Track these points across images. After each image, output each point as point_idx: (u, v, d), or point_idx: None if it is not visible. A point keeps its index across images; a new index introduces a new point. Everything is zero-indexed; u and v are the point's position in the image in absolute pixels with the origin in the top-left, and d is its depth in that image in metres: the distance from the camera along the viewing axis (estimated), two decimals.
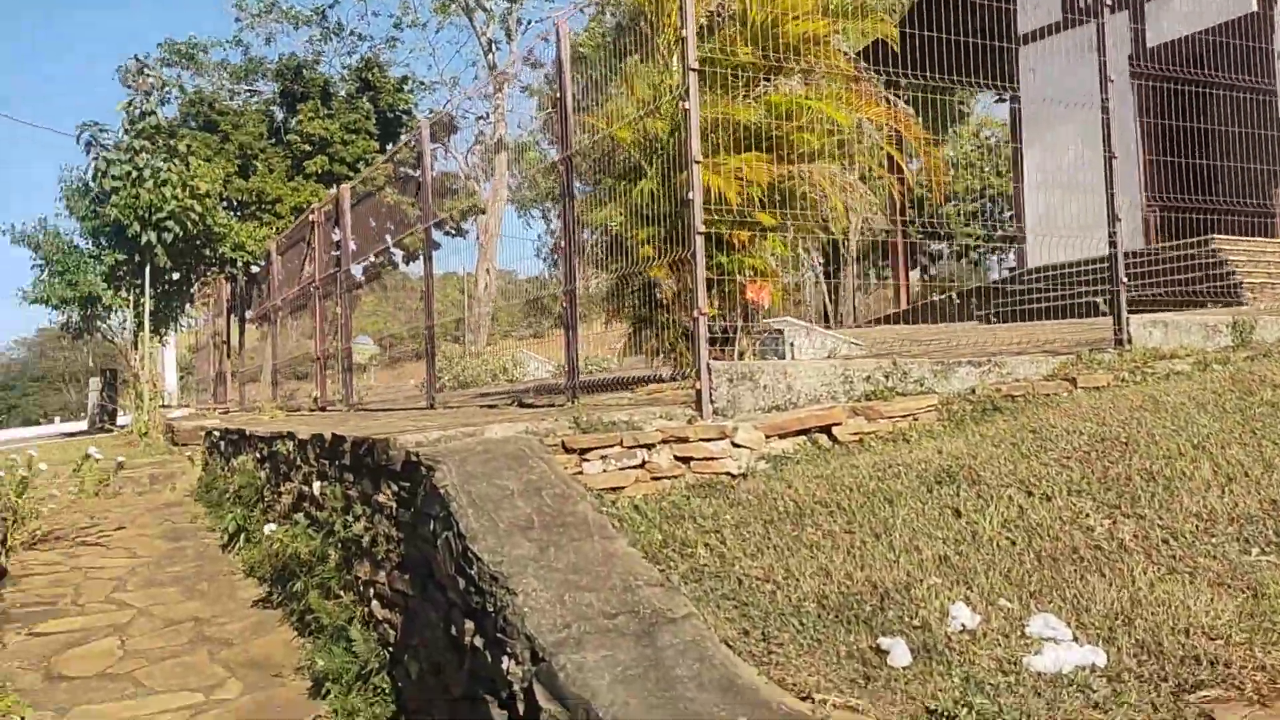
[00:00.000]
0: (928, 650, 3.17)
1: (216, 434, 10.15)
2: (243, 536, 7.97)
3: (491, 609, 3.40)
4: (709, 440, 5.19)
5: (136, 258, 15.21)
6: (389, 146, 26.97)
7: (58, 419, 44.16)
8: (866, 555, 3.90)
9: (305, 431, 6.74)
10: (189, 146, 16.19)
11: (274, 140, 27.98)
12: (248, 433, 8.48)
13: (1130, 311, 6.88)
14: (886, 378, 6.01)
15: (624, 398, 7.18)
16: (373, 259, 18.50)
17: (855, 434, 5.54)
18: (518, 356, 17.27)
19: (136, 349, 15.48)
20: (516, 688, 3.14)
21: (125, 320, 15.91)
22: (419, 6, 41.50)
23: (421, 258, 10.11)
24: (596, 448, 4.95)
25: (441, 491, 4.12)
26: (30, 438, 21.15)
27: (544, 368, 17.82)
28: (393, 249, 23.78)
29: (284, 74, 28.53)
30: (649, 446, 5.06)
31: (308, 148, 26.81)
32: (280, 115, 29.11)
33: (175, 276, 16.60)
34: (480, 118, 36.68)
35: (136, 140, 14.97)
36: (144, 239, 14.69)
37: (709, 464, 5.16)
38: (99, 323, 15.98)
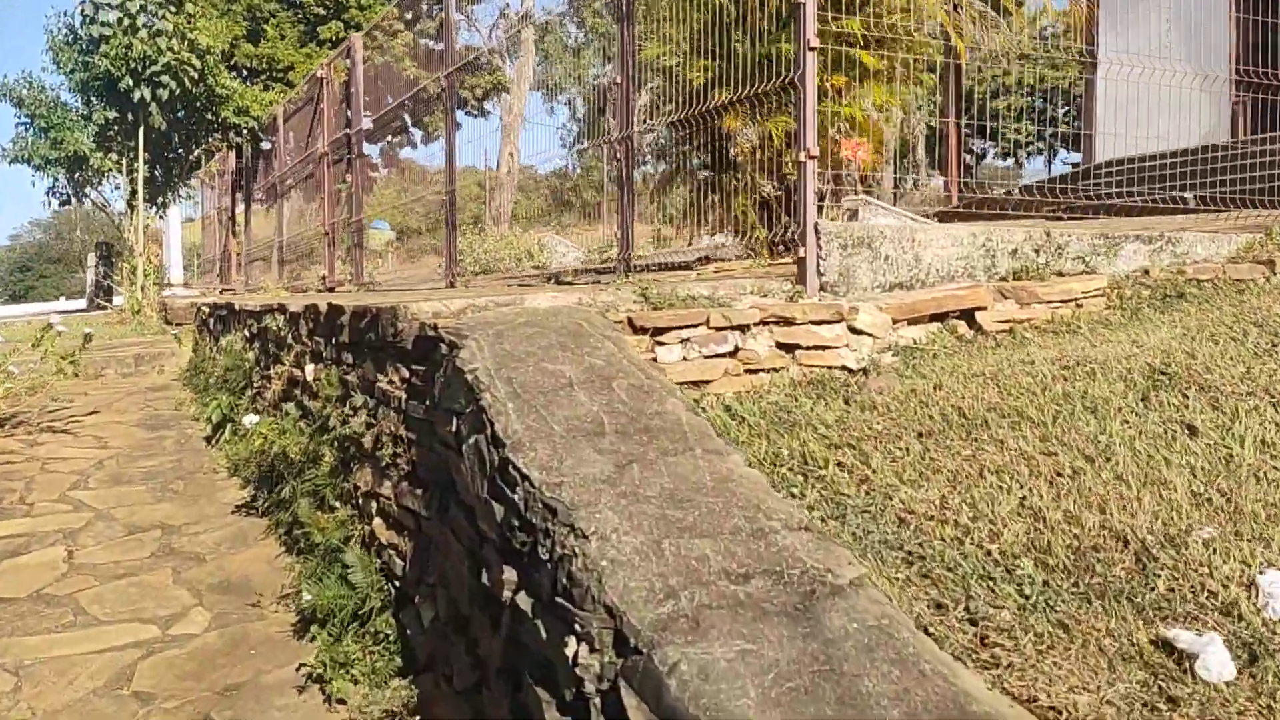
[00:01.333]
0: (1252, 653, 1.99)
1: (206, 309, 9.01)
2: (228, 428, 6.87)
3: (547, 555, 2.23)
4: (821, 323, 3.96)
5: (129, 116, 13.90)
6: (408, 16, 25.24)
7: (62, 299, 43.37)
8: (1085, 488, 2.70)
9: (299, 304, 5.55)
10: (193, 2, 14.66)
11: (285, 3, 26.24)
12: (236, 307, 7.32)
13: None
14: (1037, 252, 4.73)
15: (687, 277, 5.97)
16: (390, 139, 17.10)
17: (1004, 321, 4.31)
18: (544, 241, 16.00)
19: (131, 220, 14.30)
20: (590, 688, 1.99)
21: (119, 187, 14.69)
22: None
23: (445, 122, 8.77)
24: (675, 327, 3.73)
25: (470, 377, 2.93)
26: (20, 315, 20.19)
27: (572, 253, 16.58)
28: (411, 128, 22.33)
29: None
30: (742, 329, 3.84)
31: (321, 11, 25.09)
32: None
33: (173, 139, 15.28)
34: None
35: None
36: (137, 95, 13.35)
37: (820, 354, 3.95)
38: (88, 189, 14.78)
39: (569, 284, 6.46)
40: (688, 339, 3.74)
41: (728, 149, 6.42)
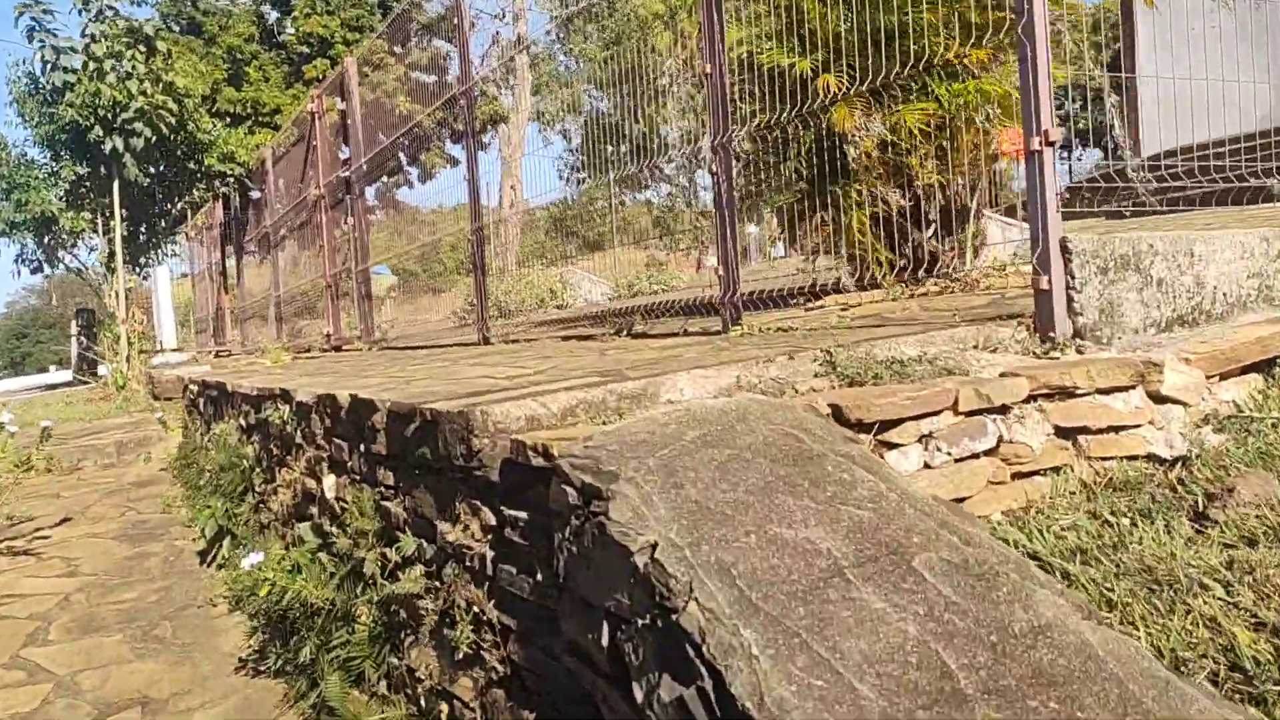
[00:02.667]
0: None
1: (194, 388, 7.69)
2: (226, 543, 5.53)
3: None
4: (1109, 391, 2.62)
5: (101, 170, 12.68)
6: (398, 49, 24.14)
7: (54, 368, 42.16)
8: None
9: (308, 390, 4.22)
10: (158, 33, 13.42)
11: (267, 44, 25.14)
12: (229, 389, 6.00)
13: None
14: None
15: (822, 319, 4.66)
16: (385, 180, 15.89)
17: None
18: (566, 277, 14.70)
19: (111, 284, 13.04)
20: None
21: (95, 249, 13.44)
22: None
23: (465, 136, 7.49)
24: (908, 417, 2.38)
25: (641, 562, 1.61)
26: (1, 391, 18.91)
27: (599, 288, 15.28)
28: (407, 167, 21.03)
29: None
30: (1003, 410, 2.50)
31: (305, 49, 23.98)
32: (273, 16, 26.21)
33: (154, 192, 14.03)
34: (496, 16, 33.55)
35: (93, 23, 12.33)
36: (108, 145, 12.11)
37: (1115, 440, 2.61)
38: (61, 253, 13.51)
39: (653, 335, 5.14)
40: (928, 434, 2.40)
41: (842, 152, 5.10)
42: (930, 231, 5.26)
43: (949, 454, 2.40)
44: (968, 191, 5.24)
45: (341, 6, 24.52)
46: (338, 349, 11.09)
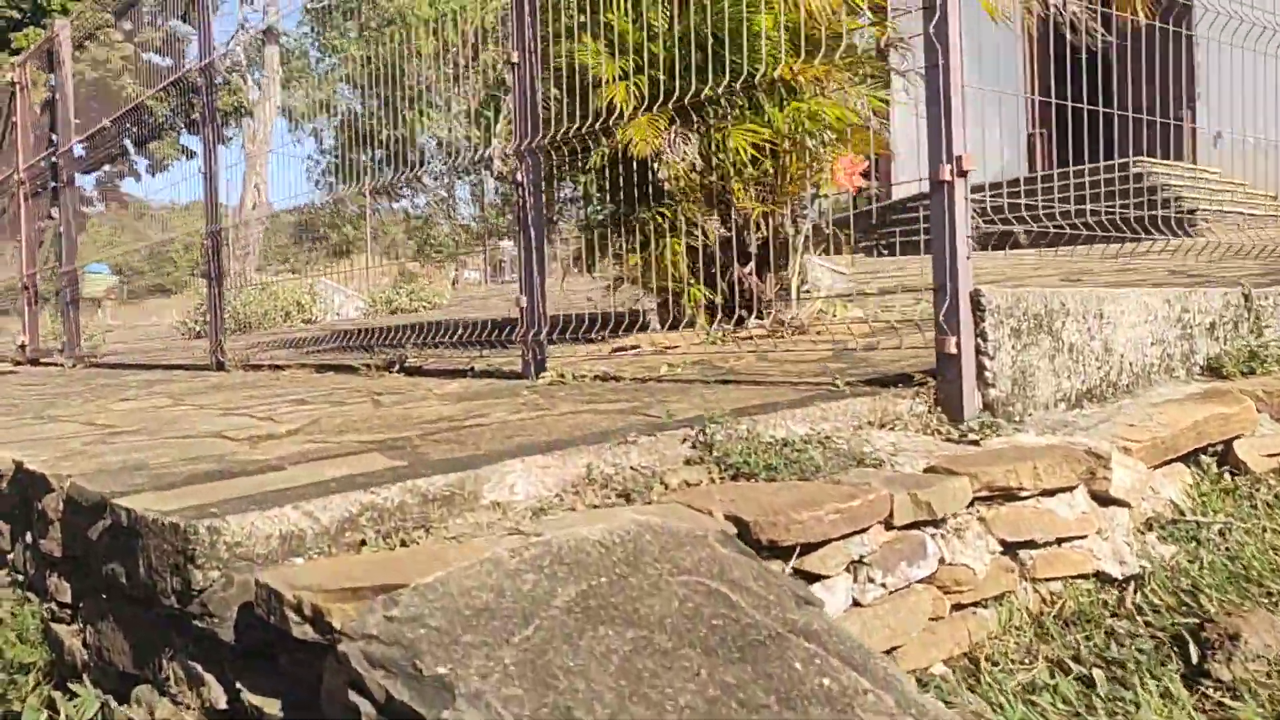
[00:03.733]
0: None
1: None
2: None
3: None
4: (1054, 492, 2.08)
5: None
6: (125, 25, 21.82)
7: None
8: None
9: None
10: None
11: None
12: None
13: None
14: (1236, 325, 3.08)
15: (616, 360, 4.03)
16: (107, 169, 14.16)
17: (1274, 455, 2.59)
18: (315, 288, 13.42)
19: None
20: None
21: None
22: None
23: (202, 122, 6.35)
24: (830, 539, 1.73)
25: None
26: None
27: (352, 303, 14.05)
28: (135, 157, 19.08)
29: None
30: (939, 522, 1.90)
31: (15, 14, 21.25)
32: None
33: None
34: (244, 1, 31.30)
35: None
36: None
37: (1061, 555, 2.07)
38: None
39: (433, 372, 4.32)
40: (858, 559, 1.75)
41: (651, 172, 4.48)
42: (749, 266, 4.72)
43: (883, 585, 1.77)
44: (791, 224, 4.74)
45: None
46: (34, 362, 9.45)
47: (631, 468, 1.95)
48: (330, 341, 6.70)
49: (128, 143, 13.19)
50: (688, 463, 2.02)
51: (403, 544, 1.62)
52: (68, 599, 2.17)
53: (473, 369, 4.24)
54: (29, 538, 2.40)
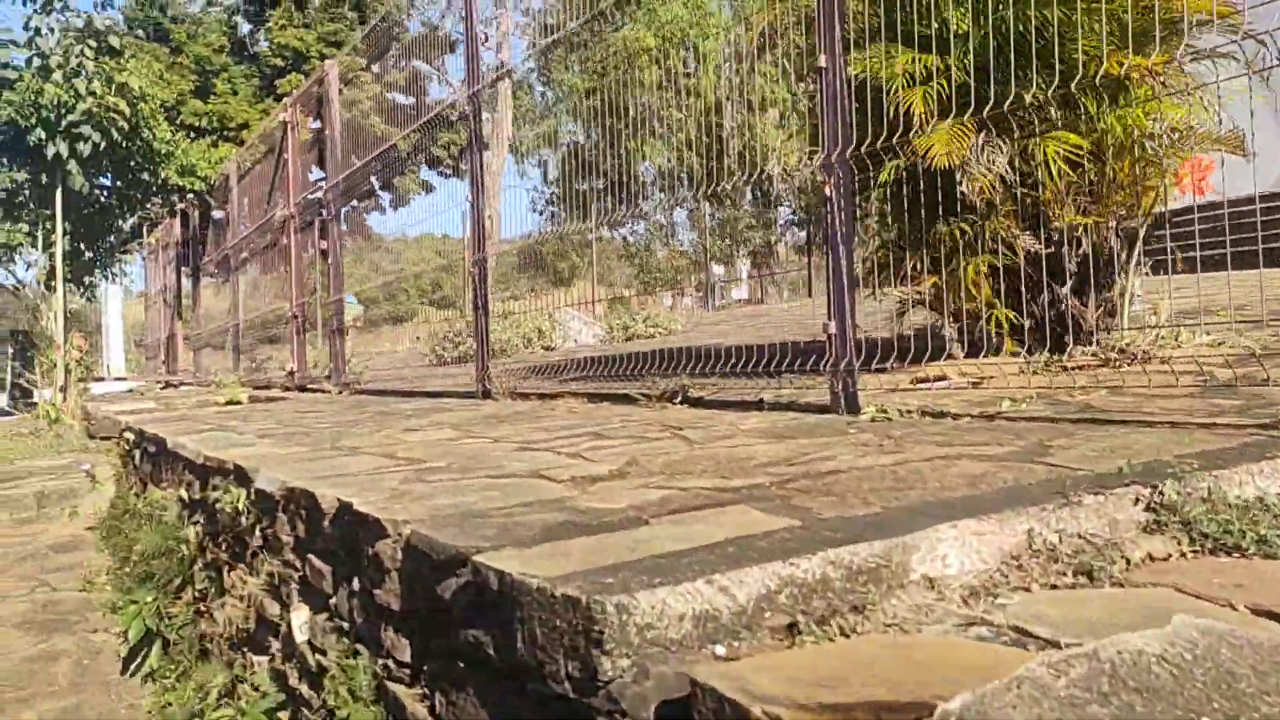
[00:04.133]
0: None
1: (131, 435, 6.47)
2: (155, 649, 4.35)
3: None
4: None
5: (43, 178, 11.46)
6: (374, 68, 23.09)
7: None
8: None
9: (272, 476, 3.05)
10: (110, 29, 12.20)
11: (239, 57, 24.01)
12: (170, 446, 4.82)
13: None
14: None
15: (921, 391, 3.63)
16: (356, 203, 14.79)
17: None
18: (556, 316, 13.58)
19: (49, 305, 11.78)
20: None
21: (32, 265, 12.16)
22: None
23: (470, 151, 6.40)
24: None
25: None
26: None
27: (589, 330, 14.16)
28: (380, 192, 20.18)
29: None
30: None
31: (279, 63, 22.88)
32: (246, 28, 25.11)
33: (101, 202, 12.76)
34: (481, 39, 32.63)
35: (39, 15, 11.16)
36: (51, 150, 10.91)
37: None
38: None
39: (715, 403, 4.05)
40: None
41: (951, 187, 4.06)
42: (1067, 286, 4.22)
43: None
44: (1117, 237, 4.21)
45: (319, 20, 23.47)
46: (302, 389, 9.90)
47: (1079, 535, 1.58)
48: (586, 369, 6.58)
49: (373, 179, 13.80)
50: (1145, 530, 1.63)
51: (842, 633, 1.31)
52: (406, 657, 1.98)
53: (762, 401, 3.94)
54: (356, 584, 2.25)
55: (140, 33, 22.66)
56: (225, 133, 21.80)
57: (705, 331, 12.81)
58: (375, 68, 18.31)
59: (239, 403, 10.53)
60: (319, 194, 9.41)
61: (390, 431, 4.28)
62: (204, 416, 6.75)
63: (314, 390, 9.41)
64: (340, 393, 8.51)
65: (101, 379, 17.40)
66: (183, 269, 17.76)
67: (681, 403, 4.26)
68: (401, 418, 5.08)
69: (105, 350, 24.69)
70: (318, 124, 11.18)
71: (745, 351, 4.33)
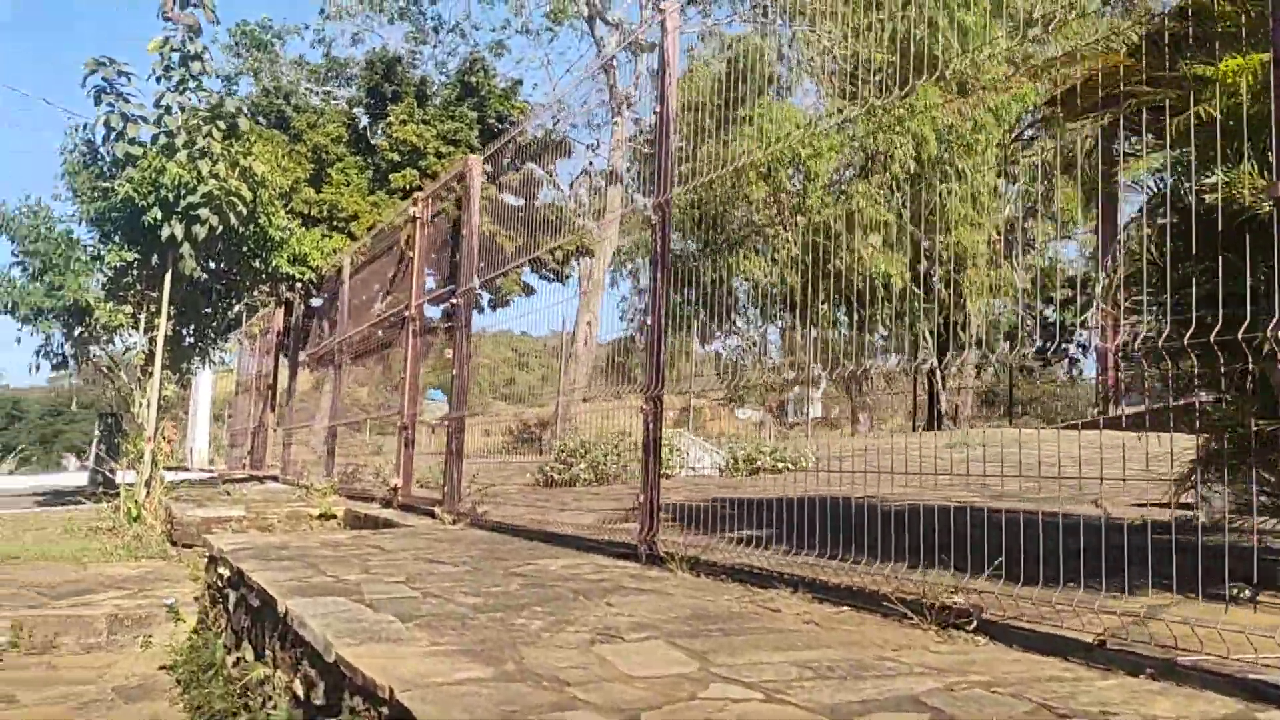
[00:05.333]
0: None
1: (225, 571, 5.48)
2: None
3: None
4: None
5: (154, 259, 10.91)
6: (489, 166, 22.82)
7: (72, 461, 40.20)
8: None
9: None
10: (240, 112, 11.75)
11: (355, 149, 23.97)
12: (282, 612, 3.83)
13: None
14: None
15: None
16: (453, 302, 13.93)
17: None
18: (672, 439, 12.53)
19: (143, 390, 11.12)
20: None
21: (132, 348, 11.57)
22: (531, 6, 36.90)
23: (654, 257, 5.47)
24: None
25: None
26: None
27: (708, 456, 13.08)
28: (479, 290, 19.26)
29: (374, 69, 24.52)
30: None
31: (395, 157, 22.71)
32: (365, 121, 25.15)
33: (209, 292, 12.17)
34: (589, 146, 32.63)
35: (171, 93, 10.76)
36: (166, 231, 10.35)
37: None
38: (93, 347, 11.59)
39: (1039, 639, 2.91)
40: None
41: None
42: None
43: None
44: None
45: (438, 118, 23.35)
46: (407, 509, 8.94)
47: None
48: (771, 530, 5.47)
49: (475, 278, 13.02)
50: None
51: None
52: None
53: (1102, 641, 2.80)
54: None
55: (261, 119, 22.74)
56: (334, 222, 21.55)
57: (839, 466, 11.59)
58: (489, 166, 17.53)
59: (333, 517, 9.61)
60: (451, 294, 8.60)
61: (579, 632, 3.23)
62: (310, 551, 5.77)
63: (419, 511, 8.45)
64: (455, 523, 7.51)
65: (185, 469, 16.73)
66: (279, 358, 17.21)
67: (975, 630, 3.13)
68: (568, 596, 4.03)
69: (191, 434, 24.28)
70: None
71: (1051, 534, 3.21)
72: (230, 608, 5.22)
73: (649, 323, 5.20)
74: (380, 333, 11.54)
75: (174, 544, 9.53)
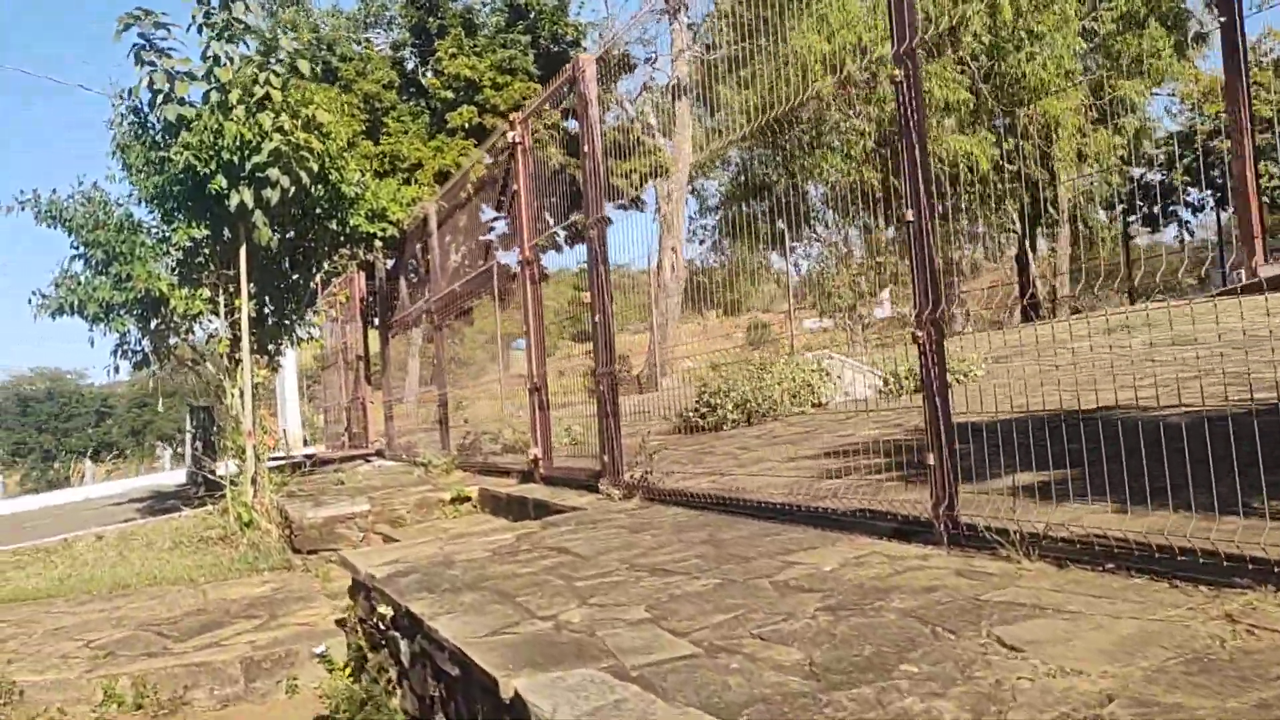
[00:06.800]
0: None
1: (386, 610, 4.30)
2: None
3: None
4: None
5: (225, 233, 9.78)
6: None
7: (167, 460, 40.12)
8: None
9: None
10: (308, 63, 10.51)
11: (407, 93, 22.65)
12: (507, 697, 2.64)
13: None
14: None
15: None
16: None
17: None
18: (823, 363, 11.15)
19: (233, 379, 10.08)
20: None
21: (213, 335, 10.50)
22: None
23: (903, 131, 4.08)
24: None
25: None
26: (95, 505, 16.08)
27: (861, 379, 11.66)
28: (556, 229, 17.95)
29: (415, 4, 23.04)
30: None
31: (450, 95, 21.36)
32: (413, 63, 23.77)
33: (284, 262, 11.05)
34: (648, 60, 30.84)
35: (217, 42, 9.51)
36: (234, 200, 9.20)
37: None
38: (172, 338, 10.52)
39: None
40: None
41: None
42: None
43: None
44: None
45: (489, 48, 21.87)
46: (553, 482, 7.76)
47: None
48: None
49: (548, 217, 11.71)
50: None
51: None
52: None
53: None
54: None
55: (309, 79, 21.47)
56: (399, 173, 20.33)
57: (1013, 373, 10.12)
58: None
59: (467, 499, 8.48)
60: (572, 227, 7.30)
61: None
62: (486, 568, 4.55)
63: (574, 486, 7.24)
64: (627, 498, 6.29)
65: (282, 454, 15.86)
66: (368, 326, 16.15)
67: None
68: (921, 633, 2.73)
69: (282, 412, 23.56)
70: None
71: None
72: (402, 659, 4.04)
73: (916, 226, 3.82)
74: (489, 285, 10.31)
75: (296, 551, 8.49)
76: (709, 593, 3.49)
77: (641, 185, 28.38)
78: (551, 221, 10.70)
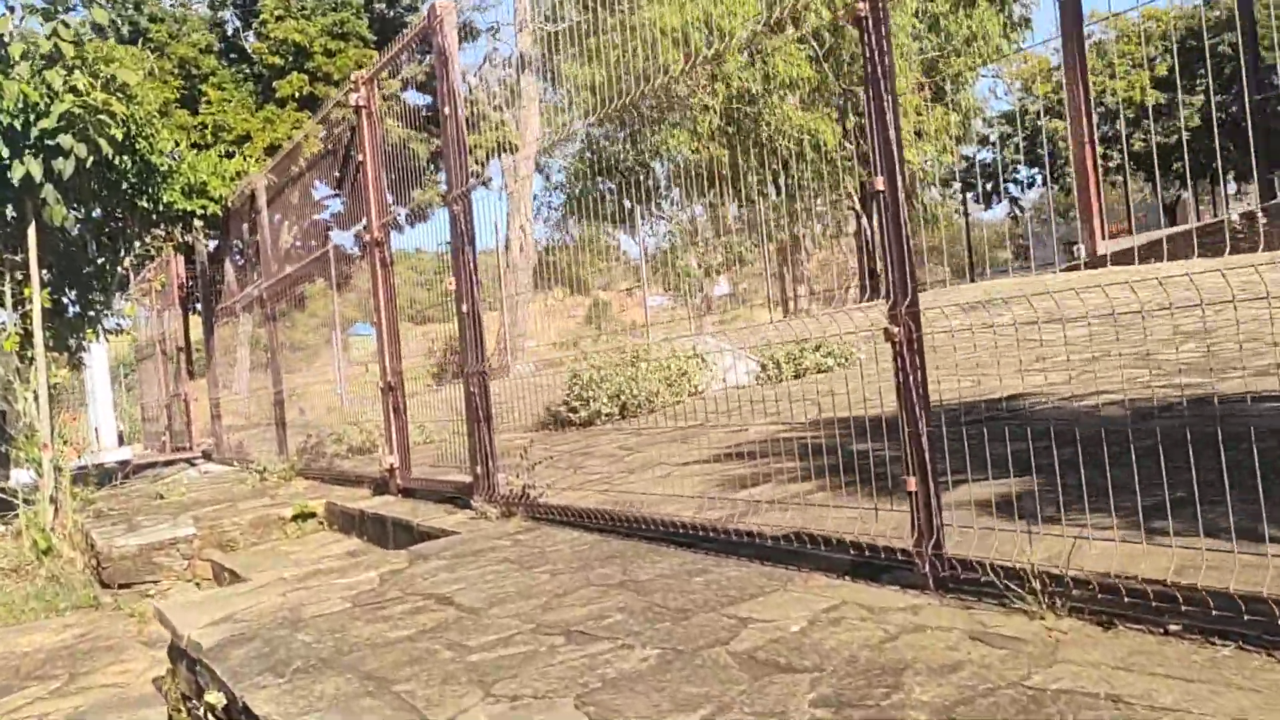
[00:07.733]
0: None
1: (216, 699, 3.32)
2: None
3: None
4: None
5: (10, 210, 8.37)
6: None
7: None
8: None
9: None
10: (106, 16, 9.23)
11: (229, 58, 20.87)
12: None
13: None
14: None
15: None
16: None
17: None
18: (698, 348, 10.44)
19: (25, 380, 8.70)
20: None
21: (5, 327, 9.08)
22: None
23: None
24: None
25: None
26: None
27: (743, 364, 11.02)
28: (412, 203, 16.85)
29: None
30: None
31: (278, 61, 19.76)
32: (234, 26, 21.96)
33: (86, 244, 9.64)
34: (490, 29, 29.69)
35: None
36: (18, 171, 7.84)
37: None
38: None
39: None
40: None
41: None
42: None
43: None
44: None
45: (319, 9, 20.34)
46: (411, 494, 6.82)
47: None
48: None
49: (387, 194, 10.74)
50: None
51: None
52: None
53: None
54: None
55: (110, 35, 19.47)
56: (222, 147, 18.68)
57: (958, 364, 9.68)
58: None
59: (313, 515, 7.44)
60: (459, 191, 6.37)
61: None
62: (348, 631, 3.62)
63: (437, 500, 6.32)
64: (505, 517, 5.42)
65: (84, 464, 14.22)
66: (188, 315, 14.64)
67: None
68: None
69: (92, 409, 21.52)
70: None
71: None
72: None
73: (889, 196, 3.09)
74: (328, 270, 9.20)
75: (105, 585, 7.26)
76: (653, 673, 2.68)
77: (487, 161, 27.27)
78: (391, 201, 9.68)
